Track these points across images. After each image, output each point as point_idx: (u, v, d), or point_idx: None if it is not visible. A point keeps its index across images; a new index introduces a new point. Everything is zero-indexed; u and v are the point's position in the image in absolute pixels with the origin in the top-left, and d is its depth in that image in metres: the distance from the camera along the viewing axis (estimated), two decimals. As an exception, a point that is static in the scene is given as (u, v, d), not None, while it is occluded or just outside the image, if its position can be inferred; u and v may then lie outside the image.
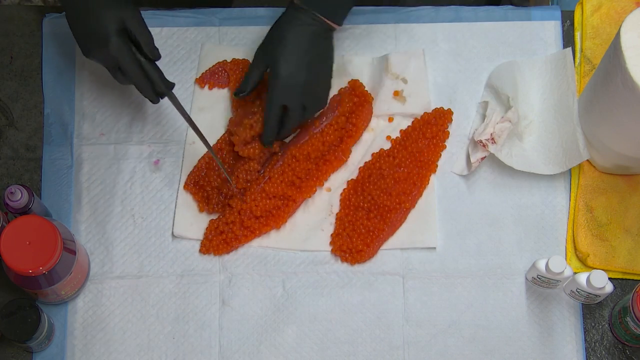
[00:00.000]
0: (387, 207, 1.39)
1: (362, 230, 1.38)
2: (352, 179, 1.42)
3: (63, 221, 1.39)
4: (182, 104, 1.33)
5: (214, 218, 1.40)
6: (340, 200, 1.41)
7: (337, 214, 1.40)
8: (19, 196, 1.29)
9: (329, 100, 1.41)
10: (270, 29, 1.36)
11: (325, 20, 1.33)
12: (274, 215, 1.39)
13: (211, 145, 1.42)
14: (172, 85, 1.32)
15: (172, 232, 1.40)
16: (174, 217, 1.40)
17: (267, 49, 1.34)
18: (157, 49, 1.30)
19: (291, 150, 1.39)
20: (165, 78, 1.31)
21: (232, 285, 1.38)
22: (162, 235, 1.40)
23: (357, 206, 1.40)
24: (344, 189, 1.42)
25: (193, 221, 1.40)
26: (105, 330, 1.37)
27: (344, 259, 1.39)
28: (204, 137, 1.35)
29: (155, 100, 1.32)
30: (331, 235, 1.40)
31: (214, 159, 1.41)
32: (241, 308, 1.37)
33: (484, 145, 1.38)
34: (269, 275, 1.39)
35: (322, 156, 1.41)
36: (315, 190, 1.41)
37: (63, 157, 1.43)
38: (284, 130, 1.37)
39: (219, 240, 1.38)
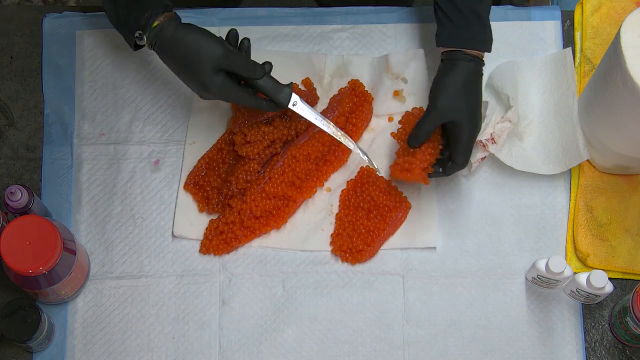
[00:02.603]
0: (387, 207, 1.39)
1: (362, 230, 1.38)
2: (352, 179, 1.42)
3: (63, 221, 1.39)
4: (309, 108, 1.33)
5: (214, 218, 1.40)
6: (340, 200, 1.41)
7: (337, 214, 1.40)
8: (19, 196, 1.29)
9: (332, 101, 1.42)
10: (447, 81, 1.32)
11: (479, 54, 1.33)
12: (274, 215, 1.39)
13: (211, 145, 1.43)
14: (289, 92, 1.31)
15: (172, 232, 1.40)
16: (174, 217, 1.40)
17: (450, 104, 1.31)
18: (258, 67, 1.28)
19: (291, 151, 1.39)
20: (281, 87, 1.30)
21: (232, 285, 1.38)
22: (162, 235, 1.40)
23: (357, 206, 1.40)
24: (344, 189, 1.42)
25: (193, 221, 1.40)
26: (105, 330, 1.37)
27: (344, 259, 1.39)
28: (344, 134, 1.35)
29: (276, 110, 1.33)
30: (331, 235, 1.40)
31: (214, 159, 1.41)
32: (241, 308, 1.37)
33: (484, 145, 1.38)
34: (269, 275, 1.39)
35: (322, 156, 1.41)
36: (316, 191, 1.41)
37: (63, 157, 1.43)
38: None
39: (219, 240, 1.38)
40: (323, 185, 1.42)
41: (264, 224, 1.38)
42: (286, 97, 1.31)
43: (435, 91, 1.32)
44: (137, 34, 1.28)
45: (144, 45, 1.30)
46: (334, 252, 1.39)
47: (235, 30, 1.31)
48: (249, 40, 1.31)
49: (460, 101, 1.31)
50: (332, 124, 1.35)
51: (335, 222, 1.40)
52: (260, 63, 1.28)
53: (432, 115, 1.32)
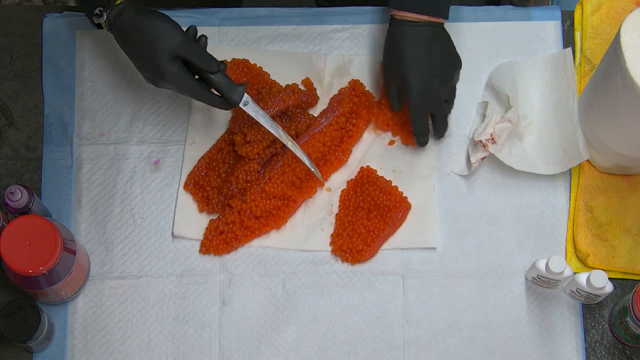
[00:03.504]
0: (387, 207, 1.39)
1: (362, 230, 1.38)
2: (352, 179, 1.42)
3: (63, 221, 1.39)
4: (261, 110, 1.33)
5: (214, 218, 1.40)
6: (340, 200, 1.41)
7: (337, 214, 1.40)
8: (19, 196, 1.29)
9: (335, 102, 1.42)
10: (385, 48, 1.36)
11: (431, 18, 1.32)
12: (274, 215, 1.39)
13: (211, 145, 1.43)
14: (241, 90, 1.31)
15: (172, 232, 1.40)
16: (174, 217, 1.40)
17: (392, 70, 1.35)
18: (214, 60, 1.29)
19: (291, 151, 1.39)
20: (234, 85, 1.30)
21: (232, 285, 1.38)
22: (162, 235, 1.40)
23: (357, 206, 1.40)
24: (344, 189, 1.42)
25: (193, 221, 1.40)
26: (105, 330, 1.37)
27: (345, 259, 1.39)
28: (291, 139, 1.35)
29: (227, 108, 1.33)
30: (331, 235, 1.40)
31: (214, 159, 1.41)
32: (241, 308, 1.37)
33: (484, 146, 1.38)
34: (269, 275, 1.39)
35: (322, 156, 1.41)
36: (316, 191, 1.41)
37: (63, 157, 1.43)
38: (440, 128, 1.39)
39: (219, 241, 1.38)
40: (323, 185, 1.42)
41: (264, 224, 1.38)
42: (238, 95, 1.31)
43: (384, 51, 1.37)
44: (97, 11, 1.28)
45: (102, 24, 1.30)
46: (334, 252, 1.39)
47: (195, 27, 1.31)
48: (206, 37, 1.31)
49: (402, 66, 1.32)
50: (281, 129, 1.34)
51: (335, 222, 1.40)
52: (220, 60, 1.29)
53: (385, 84, 1.37)
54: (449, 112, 1.40)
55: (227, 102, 1.31)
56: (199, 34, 1.31)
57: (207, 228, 1.39)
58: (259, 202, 1.37)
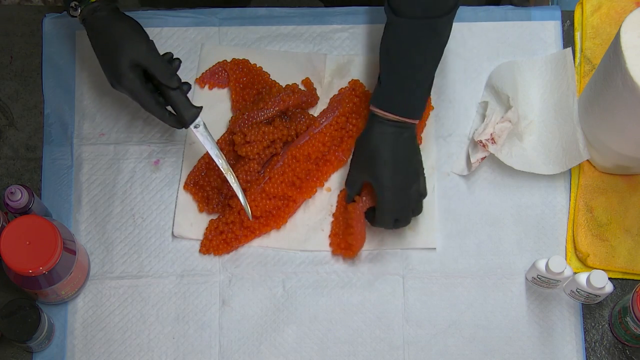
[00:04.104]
0: None
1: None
2: None
3: (63, 221, 1.39)
4: (210, 137, 1.34)
5: (214, 218, 1.40)
6: (338, 200, 1.41)
7: (333, 214, 1.40)
8: (19, 196, 1.29)
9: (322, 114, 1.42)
10: (360, 142, 1.34)
11: (407, 120, 1.31)
12: (274, 215, 1.39)
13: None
14: (197, 112, 1.32)
15: (172, 232, 1.40)
16: (174, 217, 1.41)
17: (364, 165, 1.33)
18: (175, 77, 1.30)
19: (291, 151, 1.39)
20: (190, 106, 1.32)
21: (232, 285, 1.38)
22: (162, 235, 1.40)
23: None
24: (344, 189, 1.41)
25: (193, 221, 1.40)
26: (105, 330, 1.37)
27: (346, 255, 1.38)
28: (231, 170, 1.35)
29: (178, 127, 1.34)
30: (329, 236, 1.40)
31: (215, 160, 1.41)
32: (241, 308, 1.37)
33: (484, 146, 1.38)
34: (269, 275, 1.39)
35: (322, 156, 1.41)
36: (316, 191, 1.41)
37: (63, 157, 1.43)
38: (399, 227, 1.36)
39: (219, 241, 1.38)
40: (323, 185, 1.42)
41: (264, 224, 1.38)
42: (192, 117, 1.32)
43: (355, 148, 1.35)
44: (72, 4, 1.31)
45: (76, 17, 1.32)
46: (334, 253, 1.39)
47: (171, 53, 1.33)
48: (180, 61, 1.33)
49: (375, 166, 1.31)
50: (223, 159, 1.34)
51: (333, 222, 1.40)
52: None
53: (350, 173, 1.35)
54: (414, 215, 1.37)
55: (178, 121, 1.33)
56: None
57: (207, 228, 1.39)
58: (259, 202, 1.37)
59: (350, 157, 1.38)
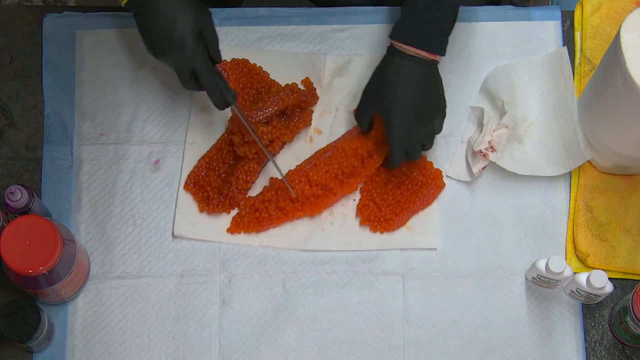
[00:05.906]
0: (420, 182, 1.39)
1: (391, 200, 1.38)
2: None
3: (63, 221, 1.39)
4: (244, 116, 1.34)
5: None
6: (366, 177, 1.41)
7: (361, 188, 1.40)
8: (19, 196, 1.29)
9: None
10: (375, 74, 1.33)
11: (429, 55, 1.30)
12: (311, 202, 1.38)
13: (211, 145, 1.43)
14: (235, 94, 1.32)
15: (172, 232, 1.40)
16: (174, 217, 1.41)
17: (375, 97, 1.33)
18: (220, 53, 1.30)
19: (342, 144, 1.39)
20: (229, 88, 1.31)
21: (232, 285, 1.38)
22: (162, 235, 1.40)
23: (387, 180, 1.39)
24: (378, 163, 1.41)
25: (193, 221, 1.40)
26: (105, 330, 1.37)
27: (374, 229, 1.39)
28: (265, 148, 1.35)
29: (222, 107, 1.32)
30: (357, 206, 1.40)
31: (214, 159, 1.41)
32: (241, 308, 1.37)
33: (484, 155, 1.38)
34: (269, 275, 1.39)
35: (368, 155, 1.40)
36: (357, 188, 1.41)
37: (63, 157, 1.43)
38: (411, 160, 1.37)
39: (251, 218, 1.38)
40: (358, 187, 1.41)
41: (298, 209, 1.38)
42: (234, 95, 1.31)
43: (370, 79, 1.35)
44: None
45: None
46: (362, 223, 1.39)
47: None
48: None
49: (388, 98, 1.30)
50: (258, 139, 1.35)
51: (362, 194, 1.40)
52: (220, 60, 1.30)
53: (360, 103, 1.35)
54: (425, 149, 1.38)
55: (223, 97, 1.31)
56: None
57: (242, 204, 1.39)
58: (296, 184, 1.37)
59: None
